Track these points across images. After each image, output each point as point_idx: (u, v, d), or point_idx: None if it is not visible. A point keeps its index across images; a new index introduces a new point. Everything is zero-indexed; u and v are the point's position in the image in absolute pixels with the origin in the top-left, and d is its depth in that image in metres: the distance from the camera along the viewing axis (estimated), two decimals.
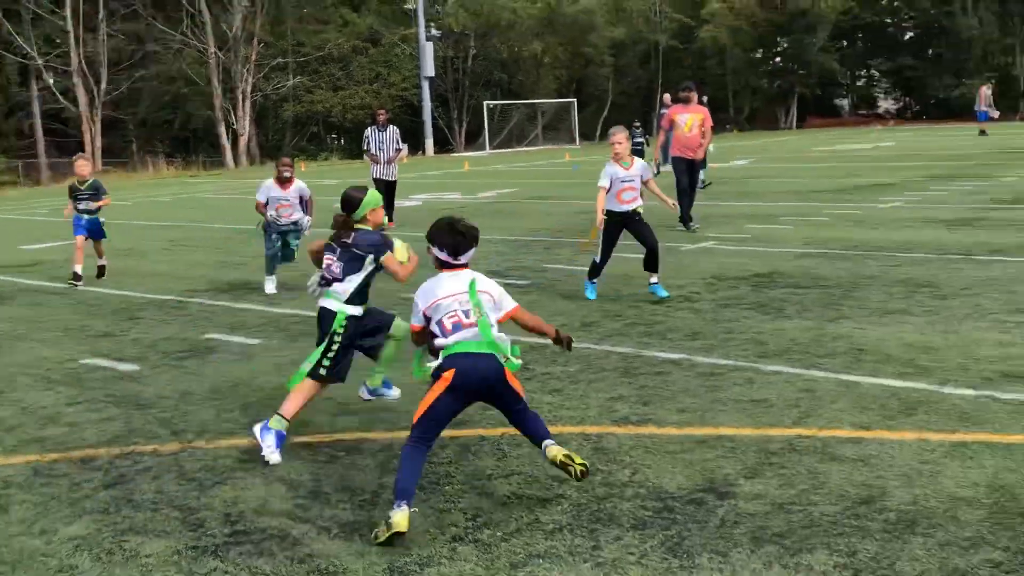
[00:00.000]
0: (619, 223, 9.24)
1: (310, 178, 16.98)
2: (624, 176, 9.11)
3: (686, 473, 4.77)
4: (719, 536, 4.05)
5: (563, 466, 4.39)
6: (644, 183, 9.28)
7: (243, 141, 52.19)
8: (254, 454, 5.31)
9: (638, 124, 28.07)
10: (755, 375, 6.43)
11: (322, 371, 5.47)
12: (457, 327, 4.53)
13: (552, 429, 5.44)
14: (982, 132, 39.02)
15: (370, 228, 5.76)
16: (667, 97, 32.34)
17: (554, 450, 4.45)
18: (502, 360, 4.51)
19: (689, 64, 68.47)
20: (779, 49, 70.08)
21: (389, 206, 16.24)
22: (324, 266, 5.69)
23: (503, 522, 4.32)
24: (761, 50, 69.96)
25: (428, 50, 51.70)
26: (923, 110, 69.90)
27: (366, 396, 6.28)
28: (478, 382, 4.44)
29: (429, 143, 52.94)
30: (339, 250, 5.63)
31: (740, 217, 15.40)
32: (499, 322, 4.69)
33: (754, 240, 12.77)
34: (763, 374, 6.45)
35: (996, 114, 42.08)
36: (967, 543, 3.86)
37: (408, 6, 61.13)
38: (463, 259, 4.75)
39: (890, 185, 19.82)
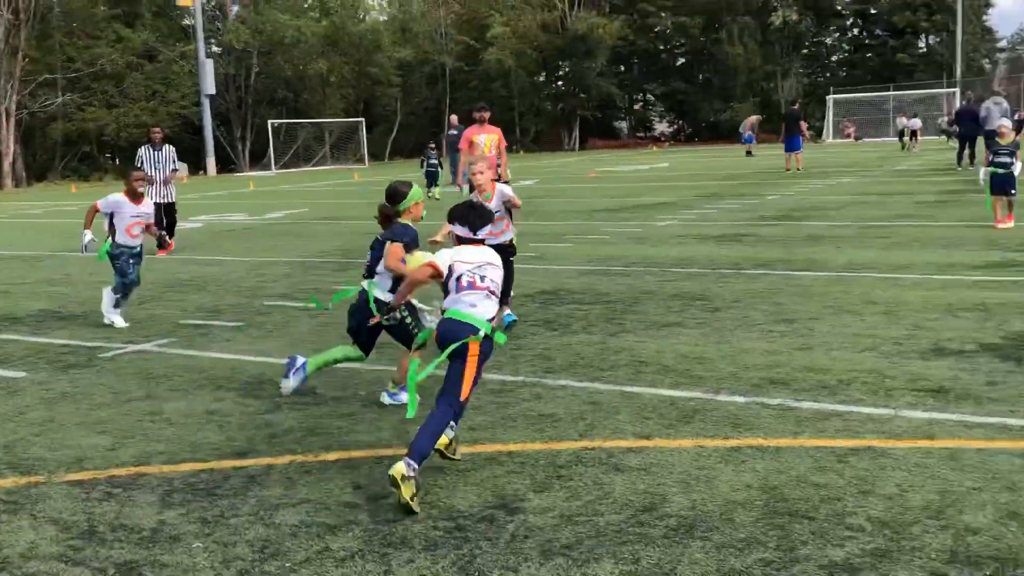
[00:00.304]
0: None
1: (83, 200, 16.09)
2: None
3: (477, 491, 4.80)
4: (510, 552, 4.10)
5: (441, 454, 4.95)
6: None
7: (7, 163, 48.82)
8: (21, 494, 4.95)
9: (433, 145, 28.21)
10: (543, 390, 6.56)
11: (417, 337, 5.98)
12: (470, 286, 5.05)
13: (343, 454, 5.41)
14: (748, 153, 41.61)
15: (409, 222, 6.36)
16: (454, 118, 32.73)
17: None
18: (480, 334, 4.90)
19: (475, 86, 69.46)
20: (561, 73, 72.34)
21: (169, 229, 15.62)
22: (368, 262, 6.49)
23: (291, 552, 4.21)
24: (544, 73, 72.01)
25: (208, 67, 50.22)
26: (695, 132, 73.83)
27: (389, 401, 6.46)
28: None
29: (211, 162, 51.36)
30: (377, 242, 6.39)
31: (527, 236, 15.71)
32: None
33: (540, 258, 13.06)
34: (550, 389, 6.59)
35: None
36: (742, 544, 4.06)
37: (186, 22, 59.18)
38: (480, 234, 5.38)
39: (666, 204, 20.80)
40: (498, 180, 14.73)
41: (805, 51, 73.40)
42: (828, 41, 75.22)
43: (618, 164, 42.74)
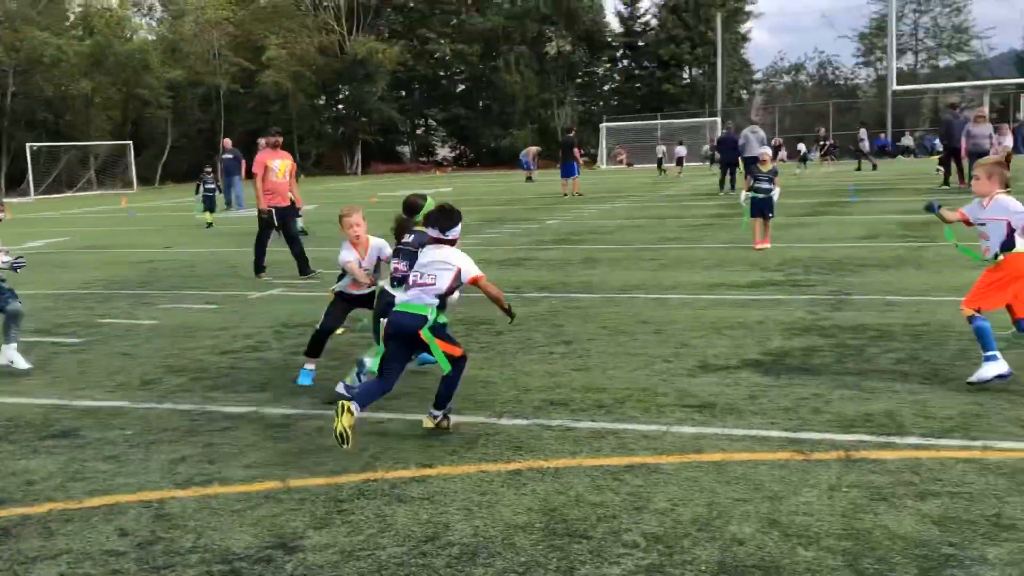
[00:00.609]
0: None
1: None
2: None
3: (254, 531, 4.64)
4: None
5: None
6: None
7: None
8: None
9: (209, 169, 27.24)
10: (325, 423, 6.43)
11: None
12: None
13: (108, 499, 5.11)
14: (528, 179, 42.67)
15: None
16: (227, 142, 31.81)
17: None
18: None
19: (252, 108, 67.81)
20: (341, 96, 71.76)
21: None
22: (392, 270, 7.13)
23: None
24: (324, 96, 71.21)
25: None
26: (477, 157, 74.95)
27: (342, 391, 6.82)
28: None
29: None
30: (402, 252, 7.15)
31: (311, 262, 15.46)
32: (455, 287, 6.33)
33: (322, 286, 12.83)
34: (331, 420, 6.46)
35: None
36: (523, 567, 4.12)
37: None
38: (450, 235, 6.32)
39: None
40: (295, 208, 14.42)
41: (579, 80, 76.11)
42: (600, 71, 78.33)
43: (400, 188, 42.80)
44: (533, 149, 51.06)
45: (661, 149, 48.36)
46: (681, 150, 46.60)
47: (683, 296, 10.90)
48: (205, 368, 8.24)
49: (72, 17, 62.32)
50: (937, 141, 48.07)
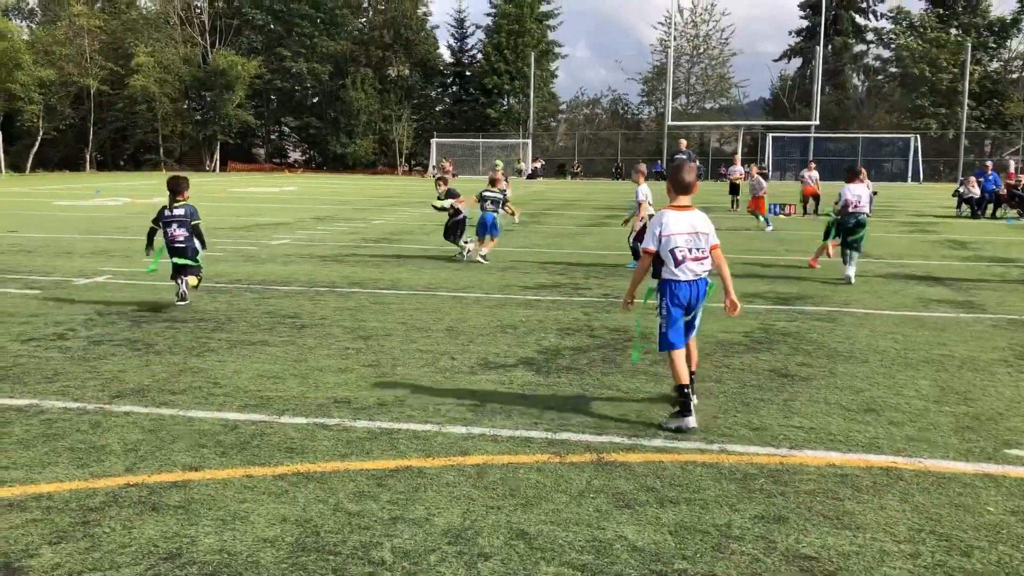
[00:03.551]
0: None
1: None
2: None
3: None
4: None
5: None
6: None
7: None
8: None
9: None
10: (103, 418, 5.42)
11: None
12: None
13: None
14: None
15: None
16: None
17: None
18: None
19: (121, 108, 63.59)
20: (204, 101, 68.04)
21: None
22: None
23: None
24: (188, 101, 67.32)
25: None
26: (324, 162, 72.54)
27: None
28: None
29: None
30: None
31: (141, 251, 13.99)
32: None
33: (148, 275, 11.53)
34: (112, 416, 5.46)
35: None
36: None
37: None
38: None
39: (285, 224, 19.71)
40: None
41: (415, 101, 74.75)
42: (433, 94, 77.14)
43: (251, 186, 40.62)
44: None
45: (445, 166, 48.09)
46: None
47: (477, 294, 10.27)
48: (1, 356, 6.98)
49: None
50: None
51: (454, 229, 13.84)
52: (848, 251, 11.74)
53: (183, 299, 9.15)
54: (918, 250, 15.60)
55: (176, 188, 9.35)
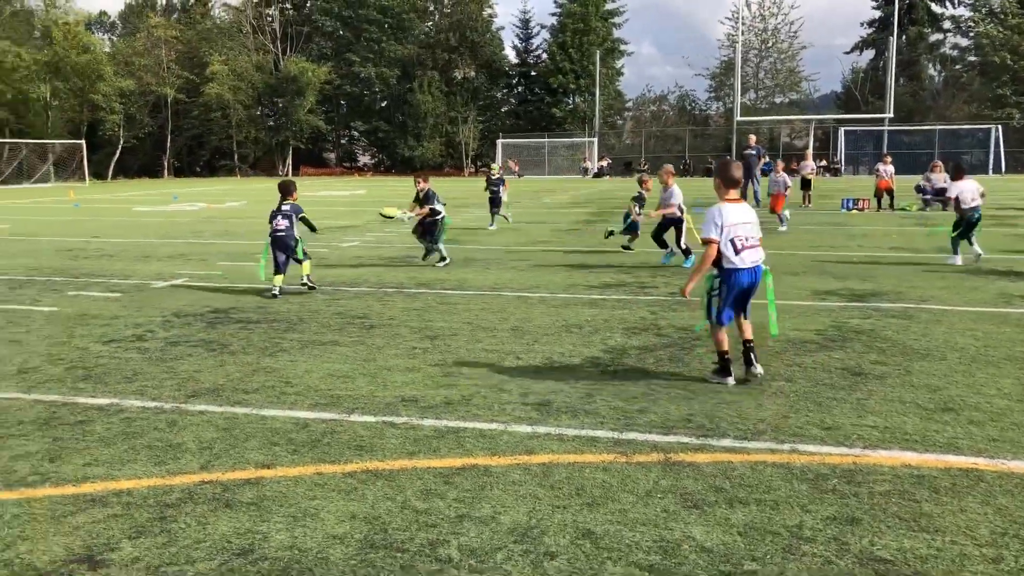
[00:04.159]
0: None
1: None
2: None
3: (66, 541, 3.79)
4: None
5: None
6: None
7: None
8: None
9: None
10: (179, 416, 5.57)
11: None
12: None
13: None
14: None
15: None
16: None
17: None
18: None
19: (196, 115, 65.45)
20: (276, 107, 69.66)
21: None
22: None
23: None
24: (260, 107, 68.95)
25: None
26: (393, 165, 73.50)
27: None
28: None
29: None
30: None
31: (216, 255, 14.39)
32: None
33: (223, 277, 11.85)
34: (188, 415, 5.61)
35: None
36: None
37: None
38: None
39: (354, 227, 20.00)
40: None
41: (481, 102, 75.18)
42: (498, 95, 77.48)
43: (322, 189, 41.37)
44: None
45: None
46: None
47: (542, 294, 10.26)
48: (84, 357, 7.24)
49: (37, 32, 58.74)
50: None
51: (431, 228, 12.86)
52: (966, 239, 12.63)
53: (312, 286, 10.61)
54: (999, 244, 15.03)
55: (286, 190, 10.72)
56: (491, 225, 19.37)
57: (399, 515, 4.03)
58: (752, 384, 6.16)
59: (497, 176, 19.96)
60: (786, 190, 18.85)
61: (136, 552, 3.68)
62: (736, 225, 5.94)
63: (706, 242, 6.00)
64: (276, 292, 10.19)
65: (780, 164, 20.27)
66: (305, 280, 10.56)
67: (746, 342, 6.20)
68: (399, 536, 3.81)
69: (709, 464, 4.65)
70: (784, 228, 18.45)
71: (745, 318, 6.22)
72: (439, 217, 12.87)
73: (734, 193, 6.06)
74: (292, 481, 4.47)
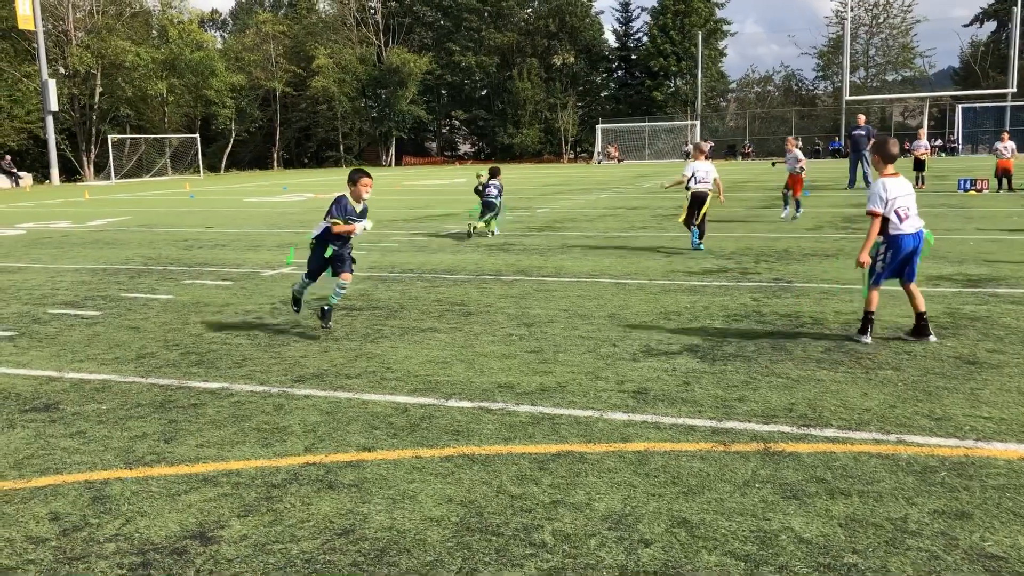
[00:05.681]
0: None
1: None
2: None
3: (180, 518, 3.99)
4: None
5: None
6: None
7: None
8: None
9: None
10: (285, 400, 5.78)
11: None
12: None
13: (55, 479, 4.47)
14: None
15: None
16: None
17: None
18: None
19: (303, 108, 67.36)
20: (379, 98, 71.04)
21: None
22: None
23: None
24: (364, 99, 70.43)
25: (51, 87, 46.10)
26: (493, 152, 73.97)
27: None
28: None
29: (54, 173, 47.25)
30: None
31: None
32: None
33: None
34: (293, 399, 5.82)
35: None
36: (426, 568, 3.45)
37: (34, 45, 54.12)
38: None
39: (454, 215, 20.24)
40: None
41: (580, 88, 74.83)
42: (598, 80, 76.94)
43: (423, 178, 42.02)
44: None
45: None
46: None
47: (641, 281, 10.17)
48: (197, 343, 7.58)
49: (154, 32, 61.54)
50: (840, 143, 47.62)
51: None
52: None
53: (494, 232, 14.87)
54: None
55: (494, 172, 14.86)
56: (495, 231, 15.77)
57: (494, 499, 4.08)
58: (858, 372, 5.97)
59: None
60: (801, 171, 16.63)
61: (244, 530, 3.85)
62: (898, 197, 6.58)
63: (871, 214, 6.58)
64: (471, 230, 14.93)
65: (791, 140, 17.37)
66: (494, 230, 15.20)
67: (920, 314, 6.74)
68: (494, 520, 3.87)
69: (810, 454, 4.53)
70: (784, 215, 16.84)
71: (912, 282, 6.71)
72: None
73: (891, 168, 6.68)
74: (391, 464, 4.58)
